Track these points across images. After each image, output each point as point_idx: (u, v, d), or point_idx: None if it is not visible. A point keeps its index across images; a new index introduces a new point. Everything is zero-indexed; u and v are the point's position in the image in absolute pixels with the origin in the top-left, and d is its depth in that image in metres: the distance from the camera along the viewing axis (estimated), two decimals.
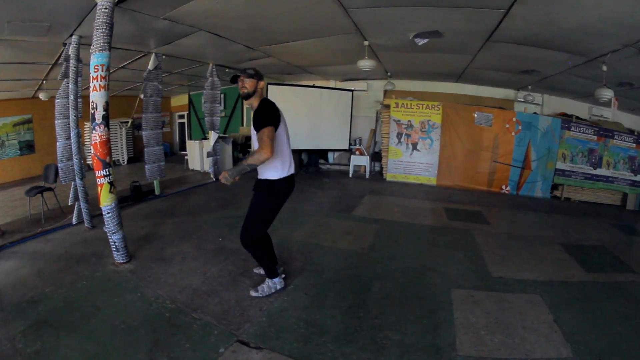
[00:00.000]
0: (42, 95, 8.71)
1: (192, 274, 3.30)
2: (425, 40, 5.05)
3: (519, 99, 9.00)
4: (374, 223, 5.16)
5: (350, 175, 9.15)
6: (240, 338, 2.45)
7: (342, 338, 2.50)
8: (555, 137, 7.75)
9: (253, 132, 2.65)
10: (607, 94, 5.36)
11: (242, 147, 10.62)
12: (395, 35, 5.17)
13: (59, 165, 4.62)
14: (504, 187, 8.11)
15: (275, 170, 2.75)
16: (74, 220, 4.69)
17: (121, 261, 3.49)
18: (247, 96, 2.73)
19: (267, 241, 3.09)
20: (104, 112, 3.27)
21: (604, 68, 4.96)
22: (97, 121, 3.25)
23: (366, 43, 5.50)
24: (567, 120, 7.92)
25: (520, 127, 7.88)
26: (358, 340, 2.48)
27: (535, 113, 8.46)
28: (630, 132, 7.88)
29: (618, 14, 3.55)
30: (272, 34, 5.23)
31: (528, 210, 6.65)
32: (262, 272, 3.25)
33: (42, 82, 7.96)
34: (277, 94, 8.21)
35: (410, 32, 4.91)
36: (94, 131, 3.27)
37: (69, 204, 4.76)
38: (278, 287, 3.06)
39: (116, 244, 3.44)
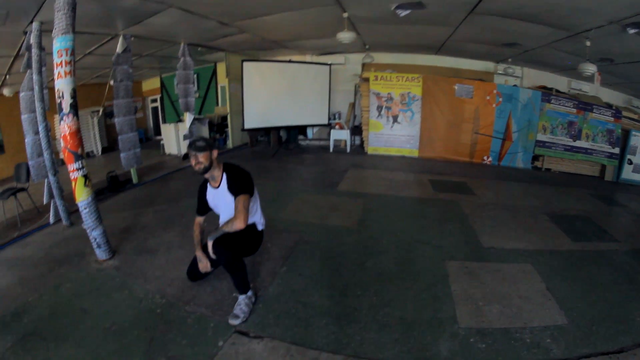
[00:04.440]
0: (6, 91, 8.22)
1: (179, 264, 3.11)
2: (408, 12, 4.90)
3: (498, 72, 9.03)
4: (361, 197, 5.08)
5: (331, 150, 9.02)
6: (238, 328, 2.36)
7: (343, 319, 2.43)
8: (536, 109, 7.83)
9: (225, 194, 2.55)
10: (590, 68, 5.38)
11: (218, 128, 10.06)
12: (376, 6, 5.01)
13: (29, 163, 4.36)
14: (485, 158, 8.19)
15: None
16: (52, 220, 4.43)
17: (104, 258, 3.32)
18: (205, 170, 2.50)
19: None
20: (72, 100, 3.06)
21: (588, 43, 4.96)
22: (64, 111, 3.04)
23: (345, 15, 5.31)
24: (547, 93, 7.99)
25: (500, 99, 7.90)
26: (359, 319, 2.43)
27: (515, 85, 8.51)
28: (609, 106, 8.01)
29: None
30: (246, 7, 5.00)
31: (511, 181, 6.74)
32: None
33: (5, 77, 7.48)
34: (252, 71, 7.97)
35: (393, 3, 4.76)
36: (62, 122, 3.06)
37: (44, 202, 4.50)
38: (254, 299, 2.63)
39: (97, 240, 3.27)
